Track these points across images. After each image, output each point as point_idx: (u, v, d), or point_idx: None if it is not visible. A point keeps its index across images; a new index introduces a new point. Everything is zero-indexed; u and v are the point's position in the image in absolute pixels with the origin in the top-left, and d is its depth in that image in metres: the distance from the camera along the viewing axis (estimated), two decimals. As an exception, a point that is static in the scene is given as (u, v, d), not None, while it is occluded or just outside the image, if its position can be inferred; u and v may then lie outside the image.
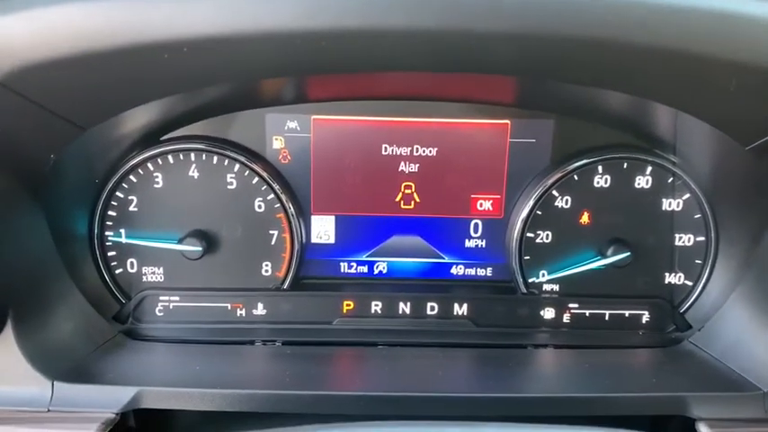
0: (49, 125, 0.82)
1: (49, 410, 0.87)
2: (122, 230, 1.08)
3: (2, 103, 0.74)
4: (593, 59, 0.73)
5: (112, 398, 0.88)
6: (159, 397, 0.89)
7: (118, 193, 1.06)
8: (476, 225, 1.11)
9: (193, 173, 1.06)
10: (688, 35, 0.69)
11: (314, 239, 1.12)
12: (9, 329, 0.89)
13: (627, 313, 1.10)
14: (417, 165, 1.08)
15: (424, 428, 0.61)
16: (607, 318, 1.11)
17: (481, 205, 1.10)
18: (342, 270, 1.14)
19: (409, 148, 1.08)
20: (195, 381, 0.92)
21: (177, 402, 0.87)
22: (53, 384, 0.88)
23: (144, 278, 1.10)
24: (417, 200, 1.10)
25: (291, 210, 1.08)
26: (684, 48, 0.70)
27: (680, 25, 0.69)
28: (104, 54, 0.68)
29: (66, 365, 0.90)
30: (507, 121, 1.07)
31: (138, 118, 0.95)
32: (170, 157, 1.06)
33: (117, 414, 0.86)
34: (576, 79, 0.81)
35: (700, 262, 1.10)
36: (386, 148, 1.09)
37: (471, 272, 1.14)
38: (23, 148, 0.84)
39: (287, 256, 1.10)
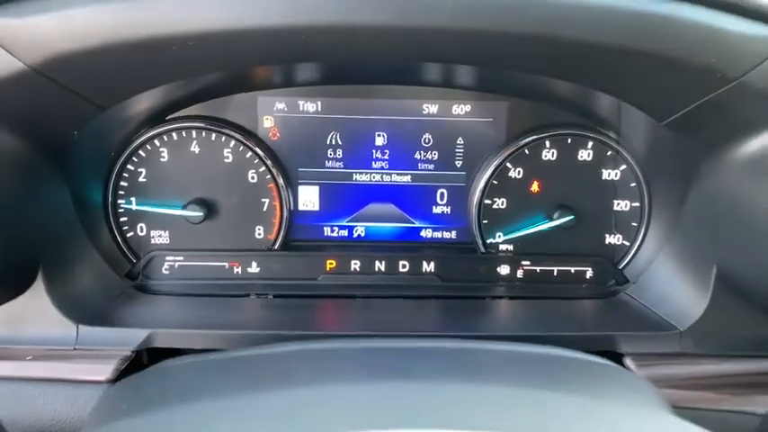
0: (75, 105, 0.91)
1: (75, 349, 0.98)
2: (133, 198, 1.16)
3: (36, 86, 0.82)
4: (530, 52, 0.85)
5: (129, 338, 0.98)
6: (168, 337, 0.99)
7: (129, 166, 1.14)
8: (441, 193, 1.20)
9: (194, 148, 1.15)
10: (607, 31, 0.81)
11: (300, 207, 1.20)
12: (40, 282, 0.97)
13: (572, 269, 1.20)
14: (390, 140, 1.17)
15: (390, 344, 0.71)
16: (555, 273, 1.21)
17: (446, 176, 1.20)
18: (325, 234, 1.22)
19: (384, 126, 1.17)
20: (198, 324, 1.03)
21: (183, 342, 0.98)
22: (78, 327, 0.98)
23: (152, 240, 1.18)
24: (390, 171, 1.19)
25: (281, 181, 1.17)
26: (604, 41, 0.81)
27: (598, 23, 0.80)
28: (124, 45, 0.78)
29: (88, 312, 1.00)
30: (469, 103, 1.16)
31: (147, 100, 1.04)
32: (174, 134, 1.14)
33: (133, 352, 0.97)
34: (520, 68, 0.93)
35: (635, 225, 1.19)
36: (362, 125, 1.16)
37: (438, 235, 1.23)
38: (52, 125, 0.94)
39: (277, 221, 1.18)
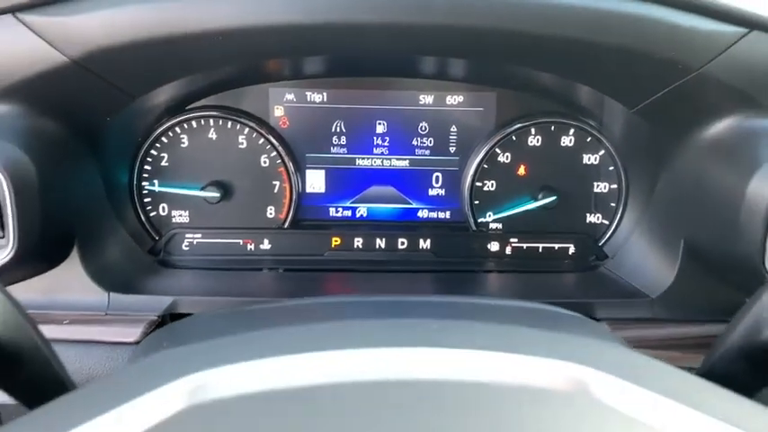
0: (109, 94, 1.01)
1: (106, 314, 1.06)
2: (156, 181, 1.24)
3: (75, 77, 0.93)
4: (512, 46, 0.95)
5: (154, 305, 1.07)
6: (189, 304, 1.08)
7: (152, 151, 1.22)
8: (437, 177, 1.29)
9: (212, 135, 1.23)
10: (580, 28, 0.90)
11: (308, 189, 1.28)
12: (75, 255, 1.05)
13: (556, 246, 1.28)
14: (390, 128, 1.26)
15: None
16: (540, 250, 1.29)
17: (441, 161, 1.29)
18: (330, 214, 1.31)
19: (384, 115, 1.25)
20: (216, 293, 1.13)
21: (203, 308, 1.07)
22: (109, 295, 1.06)
23: (173, 219, 1.26)
24: (390, 156, 1.28)
25: (290, 165, 1.25)
26: (578, 37, 0.91)
27: (573, 20, 0.89)
28: (157, 40, 0.89)
29: (117, 281, 1.09)
30: (461, 94, 1.25)
31: (169, 91, 1.12)
32: (193, 122, 1.22)
33: (158, 317, 1.06)
34: (503, 60, 1.03)
35: (614, 205, 1.27)
36: (364, 114, 1.25)
37: (433, 215, 1.31)
38: (88, 112, 1.03)
39: (287, 202, 1.27)
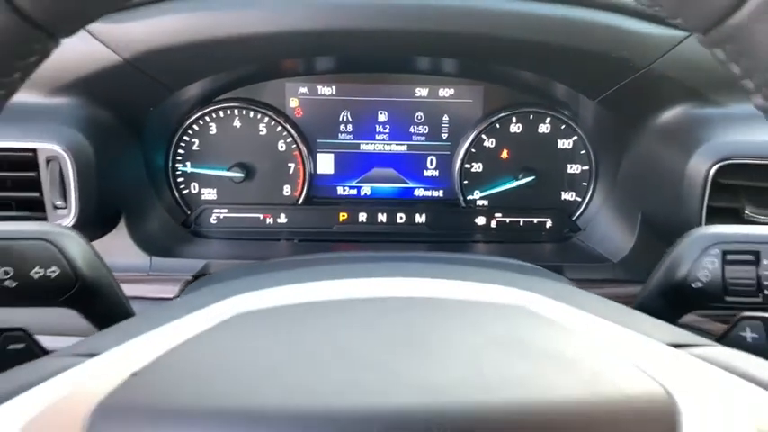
0: (152, 88, 1.17)
1: (149, 275, 1.20)
2: (188, 163, 1.37)
3: (126, 73, 1.09)
4: (488, 47, 1.12)
5: (189, 267, 1.21)
6: (218, 267, 1.21)
7: (185, 137, 1.36)
8: (431, 160, 1.43)
9: (236, 123, 1.36)
10: (543, 32, 1.07)
11: (319, 171, 1.42)
12: (122, 224, 1.20)
13: (535, 220, 1.42)
14: (390, 117, 1.40)
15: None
16: (521, 223, 1.42)
17: (434, 146, 1.43)
18: (338, 192, 1.44)
19: (385, 106, 1.39)
20: (240, 258, 1.27)
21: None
22: (151, 258, 1.21)
23: (202, 197, 1.39)
24: (390, 142, 1.42)
25: (303, 150, 1.38)
26: (542, 40, 1.07)
27: (537, 26, 1.06)
28: (192, 44, 1.06)
29: (157, 247, 1.24)
30: (453, 87, 1.39)
31: (200, 86, 1.27)
32: (220, 112, 1.35)
33: (193, 277, 1.18)
34: (482, 57, 1.21)
35: (585, 184, 1.41)
36: (368, 105, 1.38)
37: (428, 193, 1.45)
38: (134, 103, 1.19)
39: (300, 181, 1.40)
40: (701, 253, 0.78)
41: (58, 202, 1.08)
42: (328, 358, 0.48)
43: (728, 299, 0.77)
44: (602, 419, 0.42)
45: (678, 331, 0.62)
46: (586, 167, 1.42)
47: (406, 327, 0.55)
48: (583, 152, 1.41)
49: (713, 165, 1.04)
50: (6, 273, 0.74)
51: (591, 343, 0.52)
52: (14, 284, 0.75)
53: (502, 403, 0.41)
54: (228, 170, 1.38)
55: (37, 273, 0.76)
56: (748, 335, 0.67)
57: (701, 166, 1.05)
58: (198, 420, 0.41)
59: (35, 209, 1.07)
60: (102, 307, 0.82)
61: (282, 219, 1.42)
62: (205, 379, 0.46)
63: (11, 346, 0.67)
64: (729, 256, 0.77)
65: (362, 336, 0.53)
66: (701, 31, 0.48)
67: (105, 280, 0.82)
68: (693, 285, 0.79)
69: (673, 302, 0.82)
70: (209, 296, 0.62)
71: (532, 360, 0.49)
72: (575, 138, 1.40)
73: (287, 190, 1.43)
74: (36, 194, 1.08)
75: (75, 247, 0.79)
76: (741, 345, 0.68)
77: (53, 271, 0.77)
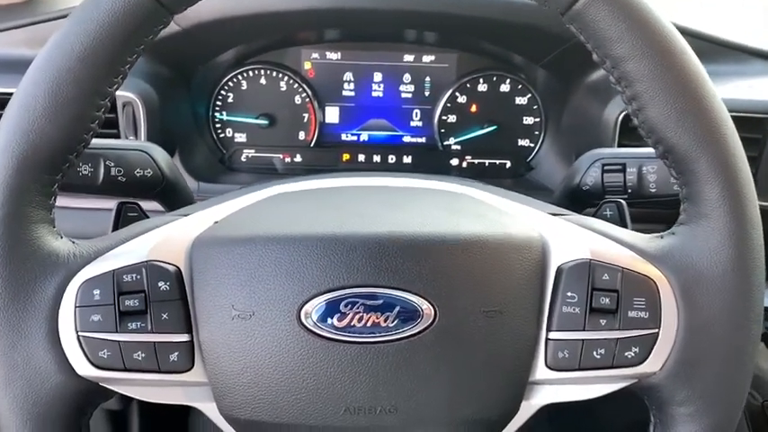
0: (201, 52, 1.43)
1: (197, 195, 1.40)
2: (224, 112, 1.57)
3: (183, 39, 1.35)
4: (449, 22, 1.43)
5: (226, 189, 1.38)
6: None
7: (222, 92, 1.55)
8: (416, 113, 1.64)
9: (262, 81, 1.55)
10: (488, 9, 1.38)
11: (327, 120, 1.61)
12: (177, 158, 1.43)
13: (498, 162, 1.63)
14: (384, 78, 1.62)
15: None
16: (487, 164, 1.63)
17: (418, 100, 1.67)
18: (342, 138, 1.64)
19: (379, 69, 1.61)
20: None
21: None
22: (198, 183, 1.48)
23: (235, 140, 1.60)
24: (384, 97, 1.65)
25: (315, 103, 1.59)
26: (488, 16, 1.38)
27: (485, 3, 1.38)
28: (234, 18, 1.34)
29: (203, 175, 1.49)
30: (433, 54, 1.62)
31: (236, 50, 1.51)
32: (250, 72, 1.54)
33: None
34: (455, 32, 1.51)
35: (538, 133, 1.62)
36: (366, 68, 1.60)
37: (413, 140, 1.65)
38: (187, 62, 1.44)
39: (312, 128, 1.60)
40: (589, 166, 1.10)
41: (131, 138, 1.40)
42: (339, 210, 0.81)
43: (607, 197, 1.09)
44: (491, 244, 0.74)
45: (558, 208, 0.94)
46: (538, 119, 1.63)
47: (383, 197, 0.88)
48: (535, 107, 1.62)
49: (621, 113, 1.35)
50: (119, 171, 1.07)
51: (497, 209, 0.84)
52: (124, 180, 1.07)
53: (424, 232, 0.74)
54: (256, 119, 1.55)
55: (138, 173, 1.08)
56: (607, 213, 0.99)
57: (612, 114, 1.37)
58: (256, 243, 0.69)
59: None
60: (178, 201, 1.15)
61: (298, 158, 1.62)
62: (260, 220, 0.79)
63: (129, 214, 0.99)
64: (606, 167, 1.09)
65: (357, 201, 0.86)
66: (560, 13, 0.79)
67: (181, 182, 1.14)
68: (583, 188, 1.10)
69: (571, 201, 1.14)
70: (258, 187, 0.87)
71: (455, 214, 0.82)
72: (529, 95, 1.63)
73: (302, 135, 1.60)
74: (114, 131, 1.39)
75: (162, 156, 1.11)
76: (602, 218, 1.00)
77: (148, 172, 1.09)
